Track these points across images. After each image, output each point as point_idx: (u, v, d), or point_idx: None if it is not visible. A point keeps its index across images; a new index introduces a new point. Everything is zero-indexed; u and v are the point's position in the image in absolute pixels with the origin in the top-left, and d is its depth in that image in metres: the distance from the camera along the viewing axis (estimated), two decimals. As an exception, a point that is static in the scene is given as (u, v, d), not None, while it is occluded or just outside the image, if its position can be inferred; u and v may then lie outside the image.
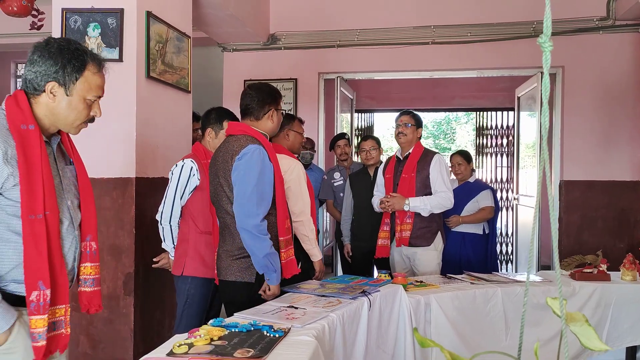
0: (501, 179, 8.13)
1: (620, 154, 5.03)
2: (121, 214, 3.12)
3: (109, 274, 3.12)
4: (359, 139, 5.54)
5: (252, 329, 1.82)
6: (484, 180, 4.89)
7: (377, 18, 5.46)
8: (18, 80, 12.11)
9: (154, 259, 3.01)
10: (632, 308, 3.02)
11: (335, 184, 4.68)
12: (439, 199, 3.43)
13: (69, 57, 1.61)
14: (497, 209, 4.48)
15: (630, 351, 3.20)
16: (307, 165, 4.59)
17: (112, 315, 3.13)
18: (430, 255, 3.46)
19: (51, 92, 1.61)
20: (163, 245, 2.91)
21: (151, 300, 3.28)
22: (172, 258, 2.91)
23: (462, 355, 2.60)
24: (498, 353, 0.92)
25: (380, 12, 5.46)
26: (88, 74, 1.65)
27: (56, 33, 3.13)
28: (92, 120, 1.72)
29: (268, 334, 1.76)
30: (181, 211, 2.85)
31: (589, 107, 5.10)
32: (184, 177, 2.80)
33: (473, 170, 4.57)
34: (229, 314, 2.52)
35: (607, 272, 3.12)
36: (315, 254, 2.92)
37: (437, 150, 3.77)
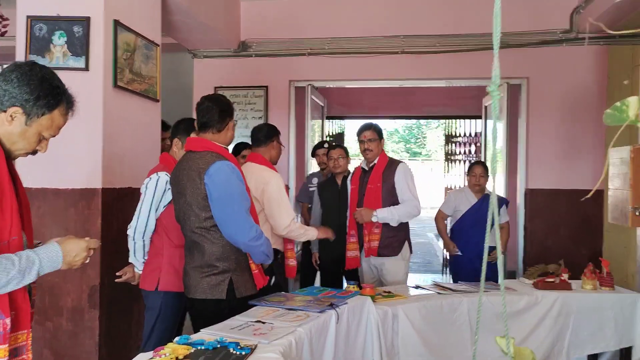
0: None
1: (583, 163, 5.16)
2: (87, 225, 3.07)
3: (73, 286, 3.07)
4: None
5: (219, 346, 1.81)
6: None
7: (348, 27, 5.49)
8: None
9: (117, 273, 2.90)
10: (592, 317, 3.11)
11: (310, 189, 4.75)
12: (407, 208, 3.47)
13: (46, 91, 1.58)
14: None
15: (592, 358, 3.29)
16: None
17: (76, 329, 3.07)
18: (398, 265, 3.50)
19: (11, 116, 1.55)
20: (131, 259, 2.83)
21: (117, 313, 3.23)
22: (138, 272, 2.85)
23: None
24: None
25: (351, 21, 5.50)
26: (56, 113, 1.63)
27: (20, 41, 3.06)
28: (34, 153, 1.65)
29: (234, 352, 1.76)
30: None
31: (553, 117, 5.23)
32: (159, 191, 2.75)
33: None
34: (197, 330, 2.52)
35: (569, 281, 3.21)
36: (312, 235, 3.14)
37: (401, 160, 3.80)
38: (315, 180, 4.83)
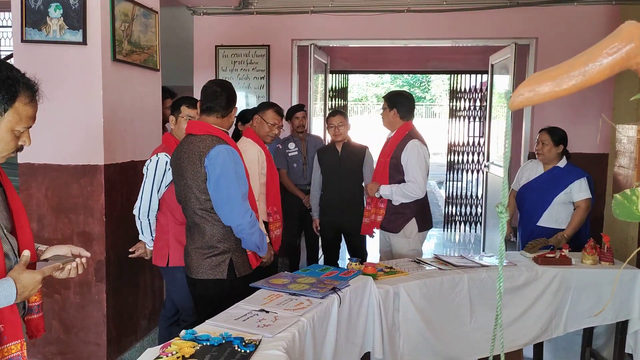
0: (473, 142, 8.21)
1: (589, 127, 5.11)
2: (90, 202, 3.09)
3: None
4: (332, 104, 5.50)
5: (224, 342, 1.85)
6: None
7: (352, -17, 5.32)
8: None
9: (130, 250, 3.02)
10: (590, 292, 3.15)
11: (289, 154, 4.70)
12: (403, 189, 3.41)
13: None
14: (593, 200, 3.66)
15: (588, 332, 3.36)
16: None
17: (84, 302, 3.15)
18: (400, 242, 3.51)
19: None
20: (141, 238, 2.95)
21: (124, 286, 3.30)
22: (150, 248, 2.98)
23: (428, 341, 2.70)
24: None
25: (356, -23, 5.31)
26: (19, 105, 1.51)
27: (16, 13, 2.98)
28: (20, 149, 1.58)
29: (239, 349, 1.80)
30: (158, 204, 2.90)
31: (560, 80, 5.13)
32: (159, 172, 2.84)
33: (565, 154, 3.75)
34: (201, 310, 2.59)
35: (569, 257, 3.24)
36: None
37: (416, 137, 3.50)
38: (292, 145, 4.70)
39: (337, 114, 4.20)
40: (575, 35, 5.02)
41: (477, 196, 8.15)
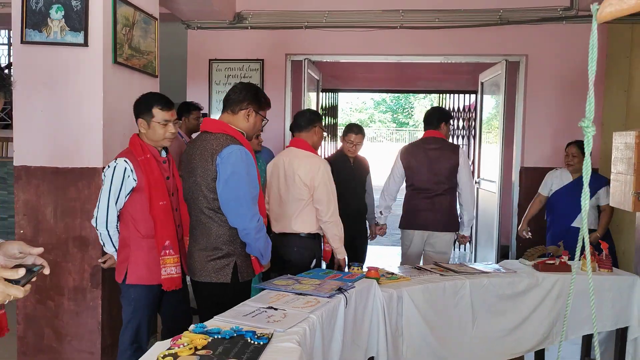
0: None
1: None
2: (87, 205, 3.03)
3: (74, 266, 3.05)
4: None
5: (235, 335, 1.81)
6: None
7: (346, 0, 5.39)
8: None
9: (100, 260, 2.81)
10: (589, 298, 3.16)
11: None
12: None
13: None
14: None
15: (586, 339, 3.35)
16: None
17: (78, 308, 3.06)
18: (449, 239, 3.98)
19: None
20: (105, 250, 2.69)
21: (118, 293, 3.21)
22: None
23: (431, 346, 2.67)
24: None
25: (350, -7, 5.39)
26: None
27: (16, 14, 2.95)
28: None
29: (252, 341, 1.75)
30: (119, 214, 2.61)
31: (550, 96, 5.23)
32: (117, 180, 2.53)
33: None
34: (203, 313, 2.53)
35: (569, 263, 3.25)
36: (342, 252, 3.18)
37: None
38: None
39: (359, 132, 4.24)
40: (565, 52, 5.14)
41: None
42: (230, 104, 2.52)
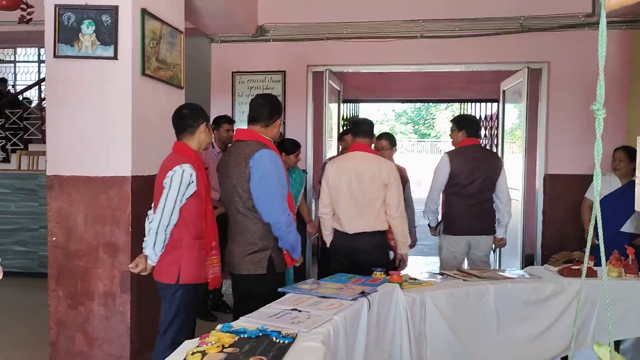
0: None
1: (603, 149, 5.12)
2: (117, 212, 3.12)
3: (104, 272, 3.13)
4: (344, 130, 5.65)
5: (261, 334, 1.86)
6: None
7: (367, 11, 5.46)
8: (-2, 65, 11.87)
9: (130, 266, 2.83)
10: (617, 304, 3.11)
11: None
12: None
13: None
14: None
15: (615, 346, 3.31)
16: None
17: (108, 313, 3.14)
18: (490, 242, 4.05)
19: None
20: (148, 252, 2.72)
21: (147, 298, 3.29)
22: (152, 264, 2.76)
23: (455, 351, 2.68)
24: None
25: (370, 5, 5.46)
26: None
27: (49, 30, 3.08)
28: None
29: (277, 340, 1.80)
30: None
31: (574, 102, 5.20)
32: (184, 185, 2.65)
33: None
34: (240, 304, 2.75)
35: (594, 269, 3.22)
36: (406, 247, 3.46)
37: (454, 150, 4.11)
38: None
39: (384, 137, 4.35)
40: (588, 58, 5.10)
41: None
42: (262, 119, 2.80)
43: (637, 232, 4.21)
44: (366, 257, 3.28)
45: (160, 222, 2.67)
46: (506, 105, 6.24)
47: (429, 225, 4.25)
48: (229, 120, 4.78)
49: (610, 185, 4.36)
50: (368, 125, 3.51)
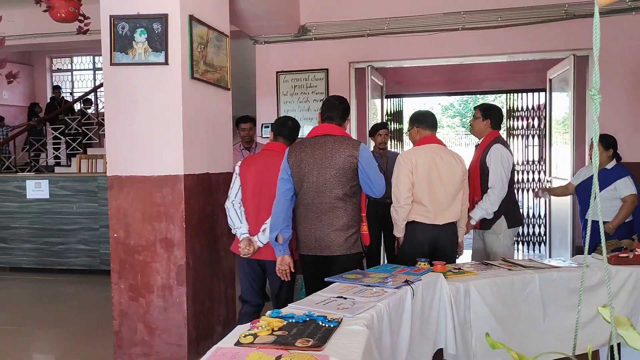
0: (533, 160, 8.11)
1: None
2: (171, 210, 3.30)
3: (162, 265, 3.32)
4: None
5: (308, 319, 1.97)
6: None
7: (407, 6, 5.50)
8: (54, 74, 12.49)
9: (245, 250, 3.18)
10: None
11: None
12: (487, 200, 3.73)
13: None
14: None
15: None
16: None
17: (166, 304, 3.33)
18: (492, 239, 3.86)
19: None
20: (266, 240, 3.15)
21: (201, 291, 3.47)
22: (260, 245, 3.20)
23: (501, 339, 2.73)
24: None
25: (410, -1, 5.50)
26: None
27: (105, 39, 3.29)
28: None
29: (323, 324, 1.90)
30: None
31: (622, 89, 5.09)
32: None
33: (615, 157, 4.24)
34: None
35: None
36: (463, 234, 3.57)
37: (500, 142, 3.85)
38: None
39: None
40: (634, 43, 4.99)
41: (539, 215, 7.99)
42: (336, 118, 3.09)
43: (605, 220, 4.13)
44: (448, 246, 3.43)
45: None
46: (554, 94, 6.14)
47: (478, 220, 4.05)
48: (247, 119, 5.06)
49: (589, 173, 4.38)
50: (434, 117, 3.61)
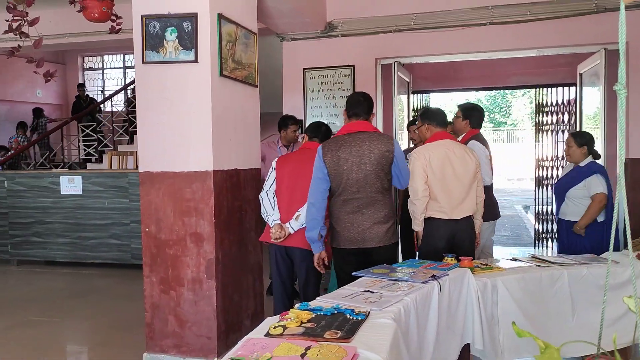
0: (562, 156, 7.97)
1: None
2: (201, 205, 3.37)
3: (192, 259, 3.39)
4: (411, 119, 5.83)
5: (336, 312, 2.00)
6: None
7: (434, 1, 5.47)
8: (86, 72, 12.76)
9: (276, 236, 3.30)
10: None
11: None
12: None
13: None
14: (609, 194, 3.87)
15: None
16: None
17: (196, 297, 3.41)
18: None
19: None
20: (300, 225, 3.30)
21: (230, 285, 3.54)
22: (291, 231, 3.32)
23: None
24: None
25: (437, -6, 5.47)
26: None
27: (137, 38, 3.37)
28: None
29: (351, 317, 1.94)
30: None
31: (655, 83, 4.98)
32: None
33: (591, 154, 4.00)
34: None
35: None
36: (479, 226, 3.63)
37: (477, 139, 4.10)
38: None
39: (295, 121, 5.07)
40: (670, 35, 4.87)
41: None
42: (362, 114, 3.20)
43: (575, 219, 3.94)
44: (466, 240, 3.45)
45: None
46: (584, 88, 6.04)
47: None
48: (296, 120, 5.09)
49: (566, 171, 4.23)
50: (444, 114, 3.67)
